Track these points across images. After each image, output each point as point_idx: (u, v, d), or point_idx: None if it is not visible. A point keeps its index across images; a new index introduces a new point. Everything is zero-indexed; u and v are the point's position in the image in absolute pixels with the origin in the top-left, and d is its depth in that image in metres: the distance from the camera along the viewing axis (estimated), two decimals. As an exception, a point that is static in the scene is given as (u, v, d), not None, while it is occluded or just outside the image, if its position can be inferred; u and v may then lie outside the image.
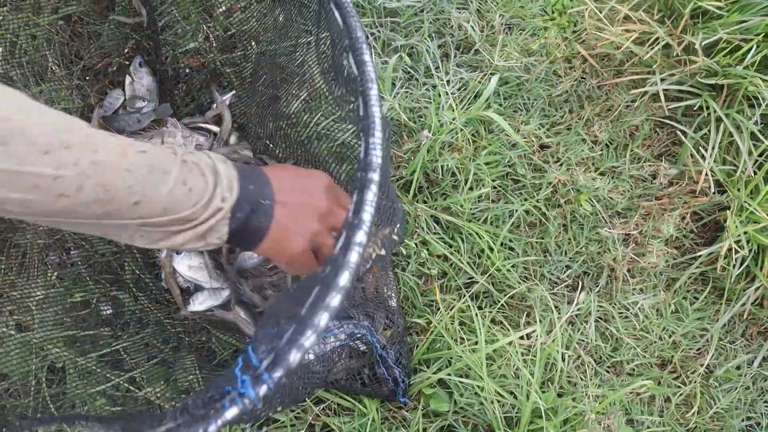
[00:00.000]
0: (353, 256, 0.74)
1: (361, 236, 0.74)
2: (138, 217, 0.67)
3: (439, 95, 1.50)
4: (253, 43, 1.47)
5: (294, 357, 0.64)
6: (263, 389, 0.65)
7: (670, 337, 1.50)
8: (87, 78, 1.54)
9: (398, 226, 1.09)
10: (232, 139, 1.52)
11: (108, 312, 1.42)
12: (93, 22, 1.56)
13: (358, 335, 1.20)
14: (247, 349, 0.83)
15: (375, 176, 0.80)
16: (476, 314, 1.36)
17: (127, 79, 1.56)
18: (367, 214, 0.77)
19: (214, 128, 1.51)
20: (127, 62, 1.58)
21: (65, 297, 1.42)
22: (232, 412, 0.64)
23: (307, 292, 0.79)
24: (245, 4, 1.55)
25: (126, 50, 1.60)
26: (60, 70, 1.53)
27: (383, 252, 1.06)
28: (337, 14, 0.96)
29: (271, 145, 1.47)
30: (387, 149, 0.90)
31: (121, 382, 1.37)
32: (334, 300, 0.70)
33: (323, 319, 0.67)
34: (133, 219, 0.67)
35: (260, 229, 0.76)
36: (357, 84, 0.90)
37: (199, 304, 1.39)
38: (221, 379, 0.72)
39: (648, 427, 1.44)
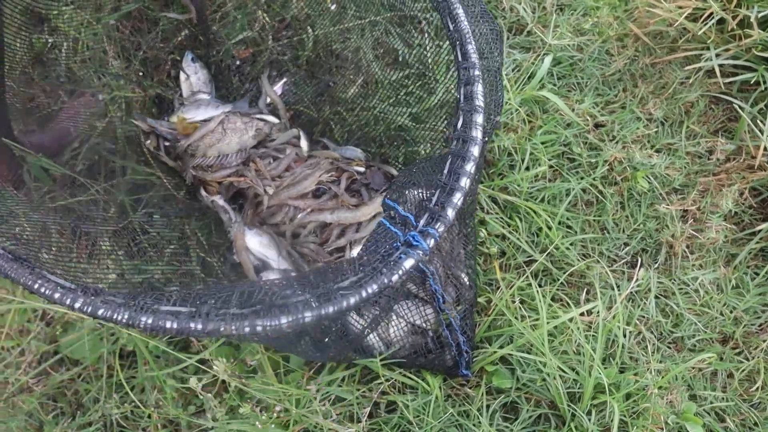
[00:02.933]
0: (478, 132, 0.86)
1: (479, 118, 0.86)
2: None
3: (494, 76, 1.58)
4: (309, 30, 1.56)
5: (451, 213, 0.79)
6: (431, 241, 0.79)
7: (731, 312, 1.56)
8: (146, 72, 1.65)
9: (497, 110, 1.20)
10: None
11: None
12: (151, 16, 1.67)
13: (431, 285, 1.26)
14: (392, 205, 0.95)
15: (478, 72, 0.91)
16: (537, 291, 1.43)
17: (182, 76, 1.66)
18: (480, 100, 0.89)
19: (270, 118, 1.60)
20: (179, 58, 1.68)
21: (135, 281, 1.52)
22: (409, 263, 0.77)
23: (438, 165, 0.92)
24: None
25: (178, 40, 1.70)
26: (120, 63, 1.64)
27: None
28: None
29: (329, 129, 1.56)
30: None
31: (194, 363, 1.47)
32: (470, 167, 0.83)
33: (465, 182, 0.81)
34: None
35: None
36: (460, 70, 1.00)
37: (269, 281, 1.48)
38: (376, 242, 0.86)
39: (711, 402, 1.49)
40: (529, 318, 1.44)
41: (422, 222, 0.82)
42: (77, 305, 0.81)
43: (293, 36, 1.58)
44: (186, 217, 1.55)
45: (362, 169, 1.52)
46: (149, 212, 1.52)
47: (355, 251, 1.47)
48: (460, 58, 0.96)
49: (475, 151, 0.87)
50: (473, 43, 0.96)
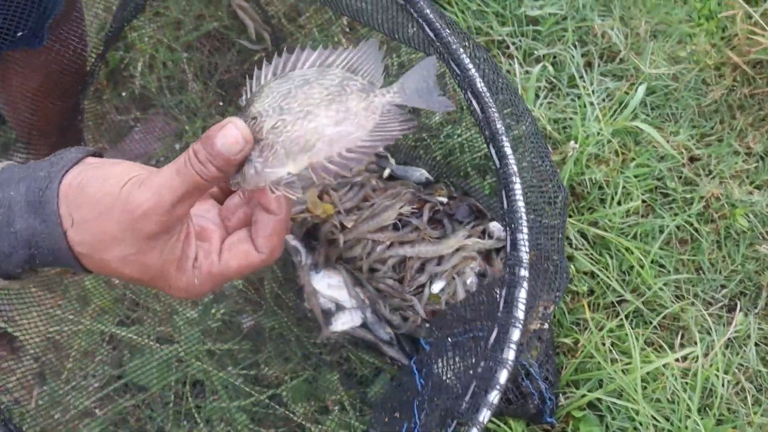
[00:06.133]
0: (510, 354, 0.80)
1: (516, 334, 0.81)
2: None
3: (584, 105, 1.58)
4: (393, 55, 1.58)
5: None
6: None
7: (837, 363, 1.52)
8: (224, 92, 1.68)
9: (558, 294, 1.15)
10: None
11: (248, 324, 1.53)
12: (229, 38, 1.71)
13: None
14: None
15: (525, 272, 0.85)
16: (630, 334, 1.41)
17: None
18: (520, 312, 0.83)
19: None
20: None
21: (208, 310, 1.54)
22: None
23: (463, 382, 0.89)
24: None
25: (254, 61, 1.73)
26: (198, 86, 1.68)
27: (546, 326, 1.13)
28: (475, 104, 1.03)
29: (413, 156, 1.57)
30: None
31: (264, 399, 1.48)
32: (494, 397, 0.77)
33: (485, 416, 0.76)
34: None
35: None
36: (499, 175, 0.98)
37: (342, 324, 1.48)
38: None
39: (815, 460, 1.45)
40: (620, 362, 1.42)
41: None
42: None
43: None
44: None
45: (445, 200, 1.52)
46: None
47: (436, 286, 1.48)
48: (508, 249, 0.93)
49: (502, 377, 0.79)
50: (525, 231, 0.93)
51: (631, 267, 1.51)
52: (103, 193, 0.56)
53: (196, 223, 0.63)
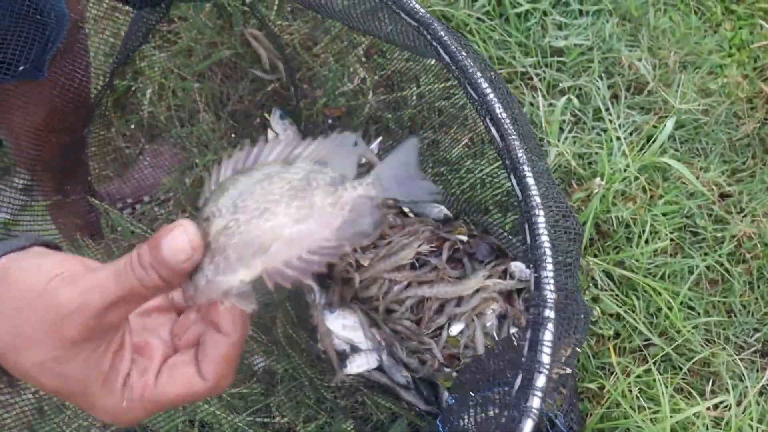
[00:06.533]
0: (535, 402, 0.74)
1: (541, 381, 0.75)
2: None
3: (611, 140, 1.52)
4: (413, 87, 1.53)
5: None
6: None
7: None
8: (236, 122, 1.64)
9: (579, 338, 1.10)
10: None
11: (260, 365, 1.48)
12: (241, 66, 1.67)
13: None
14: None
15: (551, 314, 0.80)
16: (659, 380, 1.36)
17: (270, 134, 1.63)
18: (546, 356, 0.77)
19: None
20: (266, 114, 1.66)
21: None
22: None
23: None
24: (387, 48, 1.62)
25: (268, 92, 1.69)
26: (209, 116, 1.63)
27: (569, 371, 1.07)
28: (494, 131, 0.98)
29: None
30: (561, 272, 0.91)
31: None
32: None
33: None
34: None
35: None
36: (521, 208, 0.93)
37: (357, 367, 1.43)
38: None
39: None
40: (648, 410, 1.37)
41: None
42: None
43: (395, 92, 1.55)
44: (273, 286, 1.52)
45: (465, 238, 1.47)
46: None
47: (455, 328, 1.42)
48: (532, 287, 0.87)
49: (527, 427, 0.74)
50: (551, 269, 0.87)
51: (659, 309, 1.45)
52: (27, 286, 0.49)
53: (140, 336, 0.55)
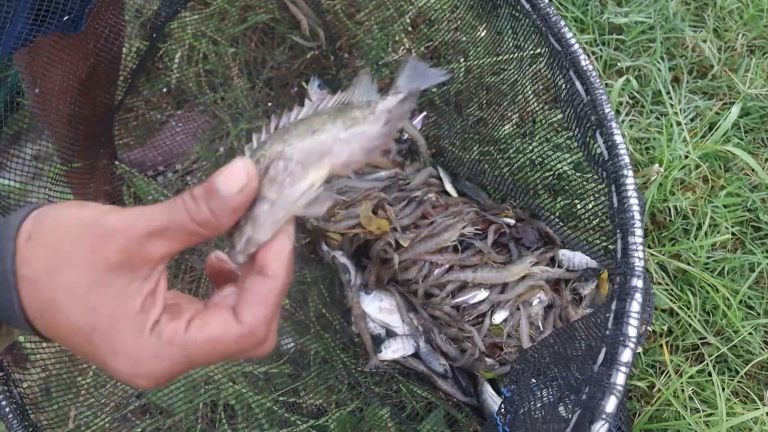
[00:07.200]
0: (619, 378, 0.69)
1: (627, 355, 0.70)
2: None
3: (671, 125, 1.44)
4: (461, 60, 1.45)
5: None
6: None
7: None
8: (272, 91, 1.56)
9: (649, 314, 1.04)
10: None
11: (290, 346, 1.41)
12: (279, 32, 1.59)
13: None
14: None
15: (639, 283, 0.74)
16: (716, 382, 1.29)
17: (307, 103, 1.56)
18: (633, 329, 0.72)
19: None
20: (304, 83, 1.59)
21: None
22: None
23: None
24: (435, 17, 1.55)
25: (306, 59, 1.61)
26: (243, 83, 1.56)
27: (639, 349, 1.01)
28: (578, 84, 0.91)
29: (477, 171, 1.45)
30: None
31: (305, 428, 1.35)
32: (600, 428, 0.67)
33: None
34: None
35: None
36: (608, 169, 0.86)
37: (392, 352, 1.36)
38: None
39: None
40: (701, 412, 1.30)
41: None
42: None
43: (442, 65, 1.48)
44: (306, 264, 1.45)
45: (512, 222, 1.40)
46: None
47: (498, 316, 1.35)
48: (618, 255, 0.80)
49: (610, 405, 0.70)
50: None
51: (716, 307, 1.38)
52: (71, 218, 0.48)
53: (173, 300, 0.51)
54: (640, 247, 0.79)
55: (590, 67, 0.87)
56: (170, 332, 0.47)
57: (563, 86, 0.90)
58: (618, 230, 0.81)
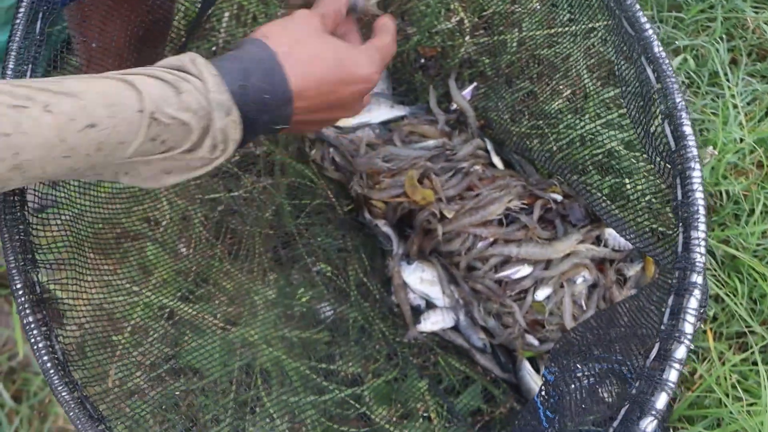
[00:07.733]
0: (672, 375, 0.68)
1: (681, 352, 0.69)
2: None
3: (727, 107, 1.42)
4: (515, 32, 1.44)
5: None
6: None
7: None
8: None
9: (705, 310, 1.03)
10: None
11: (328, 313, 1.41)
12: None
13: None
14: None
15: (699, 279, 0.72)
16: (762, 372, 1.27)
17: None
18: (689, 326, 0.70)
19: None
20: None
21: (284, 290, 1.42)
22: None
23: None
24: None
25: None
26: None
27: (691, 346, 1.00)
28: (649, 71, 0.89)
29: (526, 145, 1.43)
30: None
31: (342, 396, 1.35)
32: (647, 425, 0.67)
33: None
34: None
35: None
36: (674, 160, 0.83)
37: (432, 324, 1.35)
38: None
39: None
40: (744, 401, 1.29)
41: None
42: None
43: (495, 35, 1.46)
44: (348, 231, 1.44)
45: (560, 198, 1.39)
46: (307, 223, 1.42)
47: (541, 293, 1.35)
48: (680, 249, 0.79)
49: (661, 401, 0.69)
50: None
51: (763, 295, 1.36)
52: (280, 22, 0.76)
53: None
54: (703, 243, 0.77)
55: (663, 54, 0.84)
56: (376, 44, 0.80)
57: (629, 70, 0.88)
58: (680, 224, 0.79)
